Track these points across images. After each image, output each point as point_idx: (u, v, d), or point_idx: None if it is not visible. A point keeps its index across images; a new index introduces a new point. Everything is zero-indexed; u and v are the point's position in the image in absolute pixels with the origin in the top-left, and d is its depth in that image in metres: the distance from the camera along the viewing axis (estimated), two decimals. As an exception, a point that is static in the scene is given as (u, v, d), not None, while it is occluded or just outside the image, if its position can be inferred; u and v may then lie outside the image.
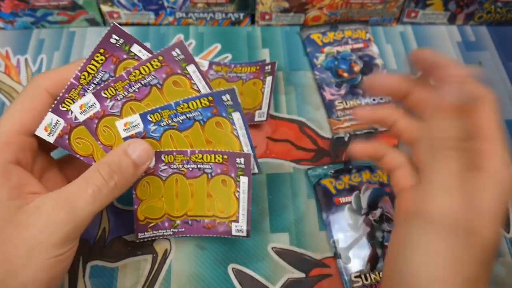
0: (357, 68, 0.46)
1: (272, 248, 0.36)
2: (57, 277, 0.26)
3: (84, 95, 0.29)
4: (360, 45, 0.47)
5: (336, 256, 0.35)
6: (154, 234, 0.33)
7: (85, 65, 0.29)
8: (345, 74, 0.45)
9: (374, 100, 0.43)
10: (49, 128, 0.28)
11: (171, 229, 0.33)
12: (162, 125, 0.30)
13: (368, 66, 0.46)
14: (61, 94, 0.29)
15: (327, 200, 0.37)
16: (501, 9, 0.49)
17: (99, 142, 0.30)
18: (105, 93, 0.29)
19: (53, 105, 0.29)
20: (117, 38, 0.29)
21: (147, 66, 0.29)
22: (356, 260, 0.35)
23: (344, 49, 0.47)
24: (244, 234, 0.32)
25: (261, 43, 0.48)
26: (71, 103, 0.29)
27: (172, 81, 0.30)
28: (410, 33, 0.49)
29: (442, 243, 0.22)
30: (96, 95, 0.29)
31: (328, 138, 0.42)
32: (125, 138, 0.30)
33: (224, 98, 0.29)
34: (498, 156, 0.23)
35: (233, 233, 0.32)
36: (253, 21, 0.50)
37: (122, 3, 0.46)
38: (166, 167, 0.31)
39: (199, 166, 0.31)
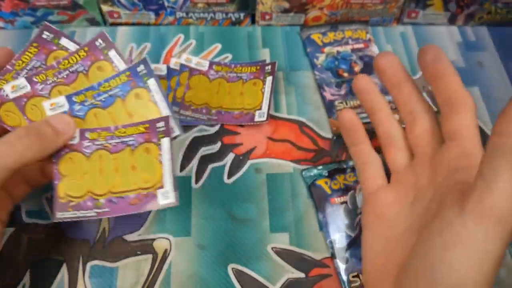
0: (357, 68, 0.46)
1: (272, 248, 0.36)
2: None
3: (17, 79, 0.34)
4: (361, 45, 0.47)
5: (333, 256, 0.35)
6: (75, 215, 0.31)
7: (19, 55, 0.34)
8: (345, 74, 0.45)
9: (374, 100, 0.43)
10: (15, 87, 0.33)
11: (94, 209, 0.31)
12: (86, 104, 0.33)
13: (369, 66, 0.46)
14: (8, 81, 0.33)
15: (322, 201, 0.37)
16: (501, 9, 0.49)
17: (25, 117, 0.33)
18: (36, 78, 0.33)
19: None
20: (48, 34, 0.35)
21: (75, 56, 0.34)
22: (353, 260, 0.35)
23: (345, 49, 0.47)
24: (172, 200, 0.30)
25: (261, 43, 0.48)
26: (4, 84, 0.33)
27: (96, 67, 0.35)
28: (411, 34, 0.49)
29: (487, 244, 0.21)
30: (28, 79, 0.33)
31: (328, 138, 0.42)
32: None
33: (138, 69, 0.33)
34: None
35: (160, 202, 0.31)
36: (253, 21, 0.50)
37: (122, 3, 0.46)
38: (90, 143, 0.33)
39: (122, 140, 0.33)
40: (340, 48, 0.47)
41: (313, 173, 0.39)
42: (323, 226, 0.36)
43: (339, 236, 0.36)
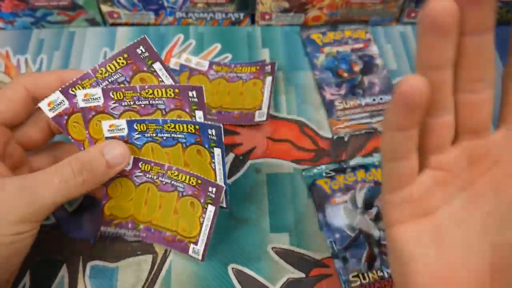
0: (357, 68, 0.46)
1: (272, 248, 0.36)
2: (13, 256, 0.27)
3: (94, 88, 0.30)
4: (360, 45, 0.47)
5: (333, 256, 0.35)
6: (117, 232, 0.34)
7: (106, 62, 0.30)
8: (345, 74, 0.45)
9: (374, 100, 0.43)
10: (52, 104, 0.30)
11: (133, 231, 0.34)
12: (146, 136, 0.31)
13: (368, 66, 0.46)
14: (74, 79, 0.30)
15: (322, 201, 0.37)
16: (501, 9, 0.49)
17: (87, 132, 0.31)
18: (113, 94, 0.30)
19: (63, 86, 0.30)
20: (143, 50, 0.30)
21: (162, 91, 0.30)
22: (353, 260, 0.35)
23: (344, 49, 0.47)
24: (199, 257, 0.32)
25: (261, 43, 0.48)
26: (80, 89, 0.30)
27: (140, 78, 0.31)
28: (410, 33, 0.49)
29: None
30: (104, 92, 0.30)
31: (328, 138, 0.42)
32: (107, 138, 0.31)
33: (209, 131, 0.30)
34: None
35: (190, 253, 0.33)
36: (253, 21, 0.50)
37: (122, 3, 0.47)
38: (141, 174, 0.32)
39: (173, 182, 0.32)
40: (339, 48, 0.47)
41: (313, 173, 0.39)
42: (323, 226, 0.36)
43: (339, 236, 0.36)
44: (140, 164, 0.32)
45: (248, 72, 0.44)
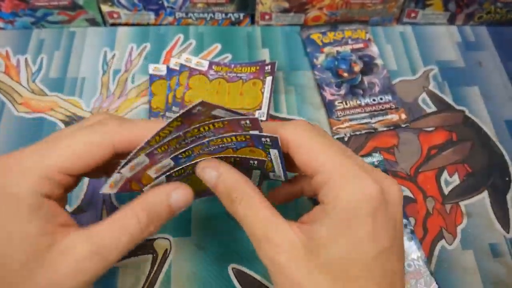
0: (357, 68, 0.46)
1: (272, 248, 0.36)
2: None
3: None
4: (360, 45, 0.47)
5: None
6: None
7: (158, 132, 0.25)
8: (345, 74, 0.45)
9: (374, 100, 0.43)
10: (113, 185, 0.26)
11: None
12: (192, 155, 0.27)
13: (368, 66, 0.46)
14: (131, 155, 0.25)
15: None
16: (501, 9, 0.49)
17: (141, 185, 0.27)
18: (157, 150, 0.26)
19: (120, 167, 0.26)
20: (200, 108, 0.25)
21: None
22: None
23: (344, 49, 0.47)
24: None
25: (261, 43, 0.48)
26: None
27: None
28: (410, 33, 0.49)
29: None
30: (149, 155, 0.26)
31: (328, 138, 0.42)
32: (155, 178, 0.27)
33: (263, 140, 0.26)
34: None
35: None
36: (253, 21, 0.50)
37: (122, 3, 0.47)
38: (184, 160, 0.27)
39: (220, 146, 0.27)
40: (339, 48, 0.47)
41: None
42: (323, 226, 0.36)
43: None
44: (179, 156, 0.27)
45: (248, 72, 0.44)
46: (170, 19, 0.49)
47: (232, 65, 0.45)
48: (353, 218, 0.23)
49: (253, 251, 0.36)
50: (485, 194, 0.39)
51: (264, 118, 0.41)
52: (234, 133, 0.26)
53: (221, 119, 0.26)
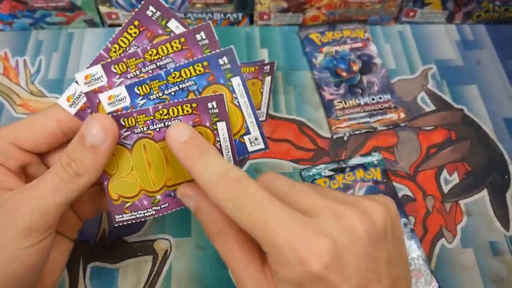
0: (356, 67, 0.46)
1: (272, 248, 0.36)
2: (26, 272, 0.25)
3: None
4: (359, 45, 0.47)
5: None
6: (134, 216, 0.28)
7: (116, 37, 0.27)
8: (344, 74, 0.45)
9: (373, 99, 0.43)
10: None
11: (153, 208, 0.28)
12: (151, 98, 0.27)
13: (367, 65, 0.46)
14: (88, 65, 0.27)
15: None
16: (499, 7, 0.49)
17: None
18: (115, 68, 0.26)
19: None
20: (154, 10, 0.26)
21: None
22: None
23: (343, 48, 0.47)
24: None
25: (259, 43, 0.48)
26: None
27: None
28: (409, 32, 0.49)
29: None
30: (105, 67, 0.26)
31: (328, 138, 0.42)
32: (110, 113, 0.27)
33: (221, 61, 0.26)
34: None
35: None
36: (251, 21, 0.50)
37: (120, 4, 0.46)
38: (128, 132, 0.27)
39: (166, 123, 0.26)
40: (338, 48, 0.47)
41: (312, 172, 0.39)
42: (323, 226, 0.36)
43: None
44: (121, 120, 0.26)
45: (247, 72, 0.44)
46: (169, 19, 0.49)
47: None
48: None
49: (254, 251, 0.36)
50: (484, 193, 0.39)
51: (263, 118, 0.41)
52: (189, 62, 0.26)
53: (177, 36, 0.26)
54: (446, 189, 0.39)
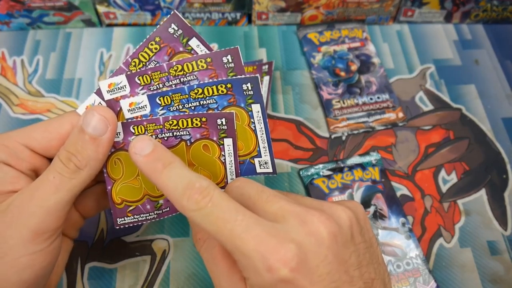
0: (354, 67, 0.46)
1: (271, 247, 0.36)
2: (37, 278, 0.24)
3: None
4: (357, 44, 0.47)
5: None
6: (136, 220, 0.29)
7: (137, 51, 0.27)
8: (342, 73, 0.45)
9: (371, 99, 0.43)
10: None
11: (155, 212, 0.29)
12: (171, 110, 0.27)
13: (365, 65, 0.46)
14: (108, 78, 0.27)
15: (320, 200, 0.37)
16: (497, 7, 0.49)
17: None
18: (139, 79, 0.27)
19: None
20: (175, 28, 0.27)
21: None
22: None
23: (341, 48, 0.47)
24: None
25: (258, 42, 0.48)
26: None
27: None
28: (407, 32, 0.49)
29: None
30: (129, 77, 0.27)
31: (326, 138, 0.42)
32: (128, 119, 0.27)
33: (244, 87, 0.26)
34: None
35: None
36: (250, 21, 0.50)
37: (118, 4, 0.46)
38: None
39: (175, 133, 0.27)
40: (336, 47, 0.47)
41: (311, 172, 0.39)
42: (321, 225, 0.36)
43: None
44: (131, 128, 0.27)
45: (246, 72, 0.44)
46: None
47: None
48: None
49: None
50: (482, 192, 0.39)
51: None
52: (214, 82, 0.26)
53: (204, 56, 0.26)
54: (444, 188, 0.39)
